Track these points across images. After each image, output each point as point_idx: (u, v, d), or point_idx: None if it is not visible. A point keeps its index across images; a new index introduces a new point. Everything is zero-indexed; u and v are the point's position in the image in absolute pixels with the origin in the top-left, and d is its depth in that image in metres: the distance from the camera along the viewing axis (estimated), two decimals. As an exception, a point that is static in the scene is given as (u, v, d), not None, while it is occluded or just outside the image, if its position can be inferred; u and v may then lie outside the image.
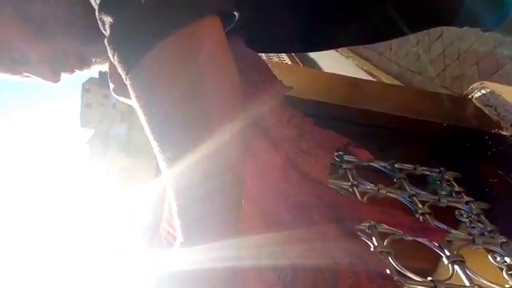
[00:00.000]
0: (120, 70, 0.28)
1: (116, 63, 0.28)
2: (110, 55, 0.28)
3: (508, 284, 0.47)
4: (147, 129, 0.29)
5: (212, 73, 0.29)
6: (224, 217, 0.30)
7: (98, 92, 27.85)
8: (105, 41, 0.28)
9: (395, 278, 0.42)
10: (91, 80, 28.54)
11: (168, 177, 0.29)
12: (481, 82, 0.88)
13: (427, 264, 0.69)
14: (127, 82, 0.28)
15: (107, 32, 0.28)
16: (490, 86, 0.83)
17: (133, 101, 0.29)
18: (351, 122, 0.69)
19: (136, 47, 0.27)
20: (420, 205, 0.57)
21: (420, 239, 0.49)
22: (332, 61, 2.94)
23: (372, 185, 0.60)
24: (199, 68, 0.28)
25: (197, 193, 0.29)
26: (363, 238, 0.46)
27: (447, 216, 0.59)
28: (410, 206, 0.58)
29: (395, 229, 0.48)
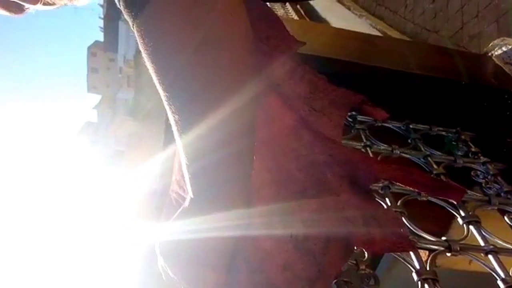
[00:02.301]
0: (126, 16, 0.26)
1: (121, 8, 0.26)
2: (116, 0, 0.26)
3: (525, 244, 0.45)
4: (159, 89, 0.27)
5: (227, 30, 0.27)
6: (236, 184, 0.30)
7: (103, 56, 27.60)
8: None
9: (410, 236, 0.41)
10: (96, 44, 28.22)
11: (180, 144, 0.28)
12: (503, 38, 0.84)
13: (439, 225, 0.68)
14: (135, 30, 0.26)
15: None
16: (512, 43, 0.79)
17: (143, 54, 0.27)
18: (365, 80, 0.66)
19: None
20: (435, 166, 0.56)
21: (436, 199, 0.48)
22: (344, 21, 2.83)
23: (385, 145, 0.58)
24: (213, 23, 0.26)
25: (210, 160, 0.28)
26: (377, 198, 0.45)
27: (463, 177, 0.58)
28: (425, 167, 0.56)
29: (410, 188, 0.46)
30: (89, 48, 28.80)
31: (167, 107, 0.28)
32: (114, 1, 0.26)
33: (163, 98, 0.28)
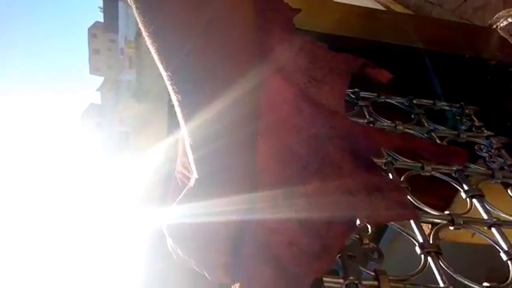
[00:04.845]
0: None
1: None
2: None
3: (527, 217, 0.46)
4: (162, 72, 0.27)
5: (234, 11, 0.26)
6: (242, 169, 0.30)
7: (104, 37, 27.30)
8: None
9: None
10: (96, 25, 27.88)
11: (185, 129, 0.28)
12: (508, 9, 0.82)
13: (443, 200, 0.68)
14: (133, 6, 0.24)
15: None
16: (519, 14, 0.77)
17: (143, 33, 0.26)
18: (368, 55, 0.66)
19: None
20: (438, 141, 0.56)
21: (440, 174, 0.48)
22: (346, -6, 2.77)
23: (389, 121, 0.58)
24: (219, 3, 0.25)
25: (216, 146, 0.28)
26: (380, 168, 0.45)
27: (466, 151, 0.58)
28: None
29: (412, 162, 0.46)
30: (89, 29, 28.47)
31: (170, 88, 0.28)
32: None
33: (166, 79, 0.27)
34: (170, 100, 0.29)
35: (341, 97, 0.42)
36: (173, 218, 0.31)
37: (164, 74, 0.27)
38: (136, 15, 0.25)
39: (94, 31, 28.11)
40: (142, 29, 0.25)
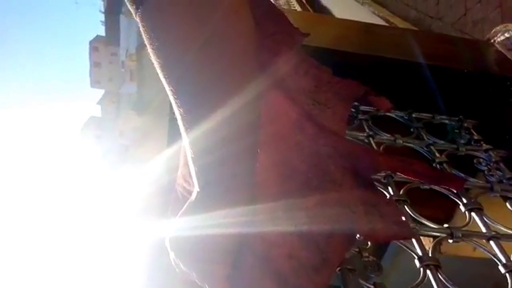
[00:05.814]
0: (129, 6, 0.26)
1: None
2: None
3: (527, 230, 0.46)
4: (164, 84, 0.28)
5: (233, 27, 0.27)
6: (242, 180, 0.30)
7: (106, 50, 27.55)
8: None
9: (411, 225, 0.42)
10: (98, 38, 28.17)
11: (186, 139, 0.29)
12: (505, 24, 0.83)
13: (443, 213, 0.69)
14: (138, 21, 0.26)
15: None
16: (515, 29, 0.78)
17: (147, 45, 0.27)
18: (367, 70, 0.67)
19: None
20: (437, 154, 0.56)
21: (438, 188, 0.48)
22: (346, 8, 2.81)
23: (388, 135, 0.58)
24: (219, 20, 0.26)
25: (216, 156, 0.29)
26: (379, 188, 0.45)
27: (466, 165, 0.58)
28: (428, 156, 0.57)
29: (412, 178, 0.47)
30: (91, 42, 28.76)
31: (172, 101, 0.28)
32: None
33: (169, 93, 0.28)
34: (170, 113, 0.30)
35: (343, 121, 0.43)
36: (174, 231, 0.31)
37: (167, 88, 0.28)
38: (142, 32, 0.26)
39: (95, 44, 28.39)
40: (148, 45, 0.26)
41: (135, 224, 0.48)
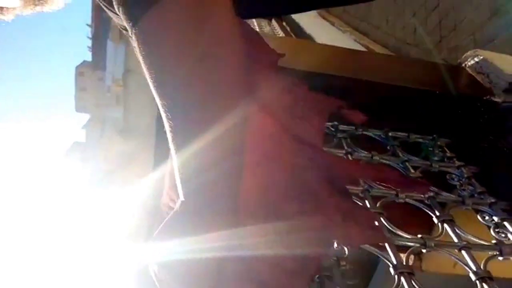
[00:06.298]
0: (125, 20, 0.27)
1: (121, 15, 0.27)
2: (116, 7, 0.27)
3: (495, 240, 0.49)
4: (156, 97, 0.29)
5: (226, 47, 0.29)
6: (228, 201, 0.31)
7: (92, 75, 27.52)
8: None
9: (387, 235, 0.44)
10: (84, 64, 28.17)
11: (176, 161, 0.29)
12: (475, 50, 0.89)
13: (421, 230, 0.71)
14: (133, 34, 0.27)
15: None
16: (483, 54, 0.84)
17: (140, 59, 0.28)
18: (346, 91, 0.70)
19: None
20: (412, 170, 0.59)
21: (413, 201, 0.51)
22: (328, 36, 2.91)
23: (366, 152, 0.61)
24: (214, 39, 0.27)
25: (204, 178, 0.29)
26: (356, 201, 0.48)
27: (439, 181, 0.61)
28: (403, 172, 0.59)
29: (386, 190, 0.49)
30: (77, 67, 28.73)
31: (164, 119, 0.29)
32: (104, 17, 0.28)
33: (162, 112, 0.29)
34: (156, 137, 0.31)
35: (320, 133, 0.45)
36: (159, 257, 0.32)
37: (159, 104, 0.29)
38: (136, 49, 0.27)
39: (82, 69, 28.37)
40: (141, 61, 0.28)
41: (121, 247, 0.48)
